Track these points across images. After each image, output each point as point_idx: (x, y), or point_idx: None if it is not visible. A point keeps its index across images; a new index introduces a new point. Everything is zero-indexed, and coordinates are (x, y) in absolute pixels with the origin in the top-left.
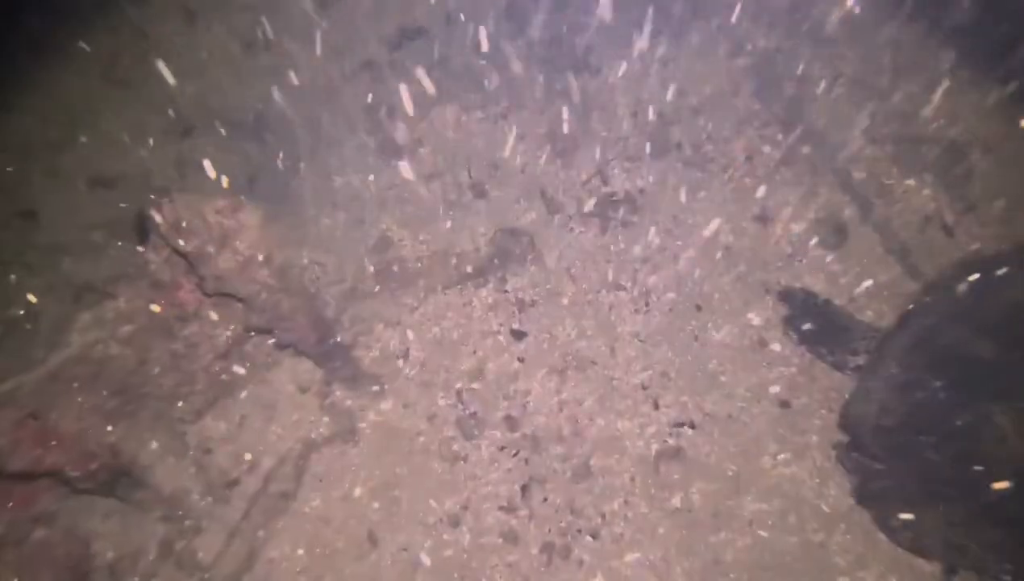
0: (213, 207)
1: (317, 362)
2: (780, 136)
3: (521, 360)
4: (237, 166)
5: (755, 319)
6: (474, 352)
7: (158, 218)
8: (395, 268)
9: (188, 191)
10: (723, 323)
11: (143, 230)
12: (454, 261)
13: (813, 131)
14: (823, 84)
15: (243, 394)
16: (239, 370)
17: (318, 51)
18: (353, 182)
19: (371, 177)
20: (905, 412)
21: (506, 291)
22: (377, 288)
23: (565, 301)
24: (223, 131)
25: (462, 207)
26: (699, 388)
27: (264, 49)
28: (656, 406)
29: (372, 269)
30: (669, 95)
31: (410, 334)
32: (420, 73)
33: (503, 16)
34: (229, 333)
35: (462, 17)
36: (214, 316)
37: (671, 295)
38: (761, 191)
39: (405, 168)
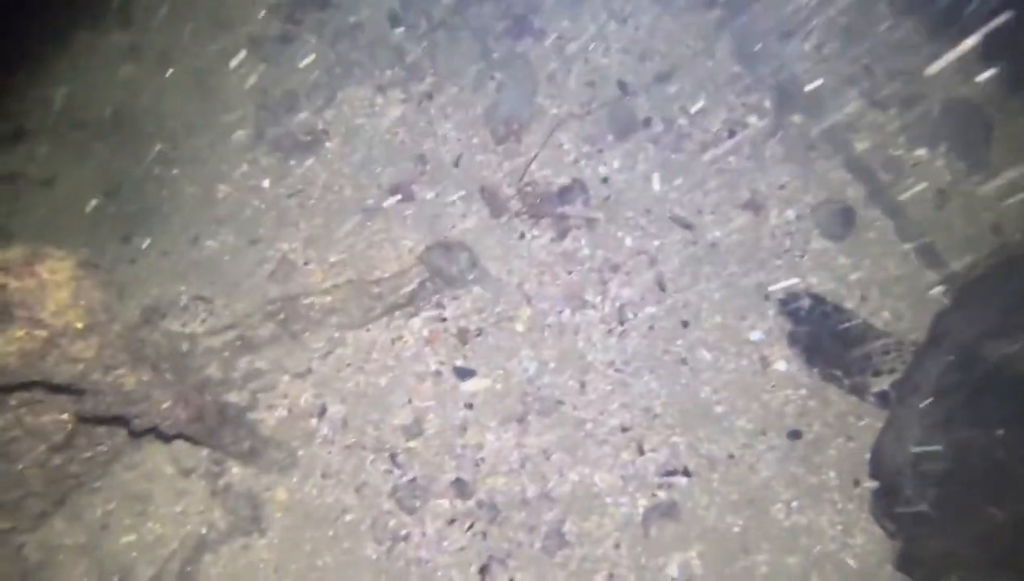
0: None
1: (198, 440)
2: (767, 103)
3: (469, 407)
4: (89, 178)
5: (753, 333)
6: (409, 401)
7: None
8: (301, 302)
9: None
10: (715, 341)
11: None
12: (376, 287)
13: (805, 96)
14: (813, 37)
15: (103, 485)
16: (91, 456)
17: (190, 24)
18: (242, 190)
19: (265, 182)
20: (954, 455)
21: (444, 320)
22: (277, 330)
23: (519, 327)
24: (69, 132)
25: (383, 215)
26: (691, 424)
27: (119, 24)
28: (641, 451)
29: (271, 306)
30: (631, 60)
31: (325, 386)
32: (322, 46)
33: None
34: (63, 419)
35: None
36: (25, 407)
37: (650, 310)
38: (749, 173)
39: (308, 168)
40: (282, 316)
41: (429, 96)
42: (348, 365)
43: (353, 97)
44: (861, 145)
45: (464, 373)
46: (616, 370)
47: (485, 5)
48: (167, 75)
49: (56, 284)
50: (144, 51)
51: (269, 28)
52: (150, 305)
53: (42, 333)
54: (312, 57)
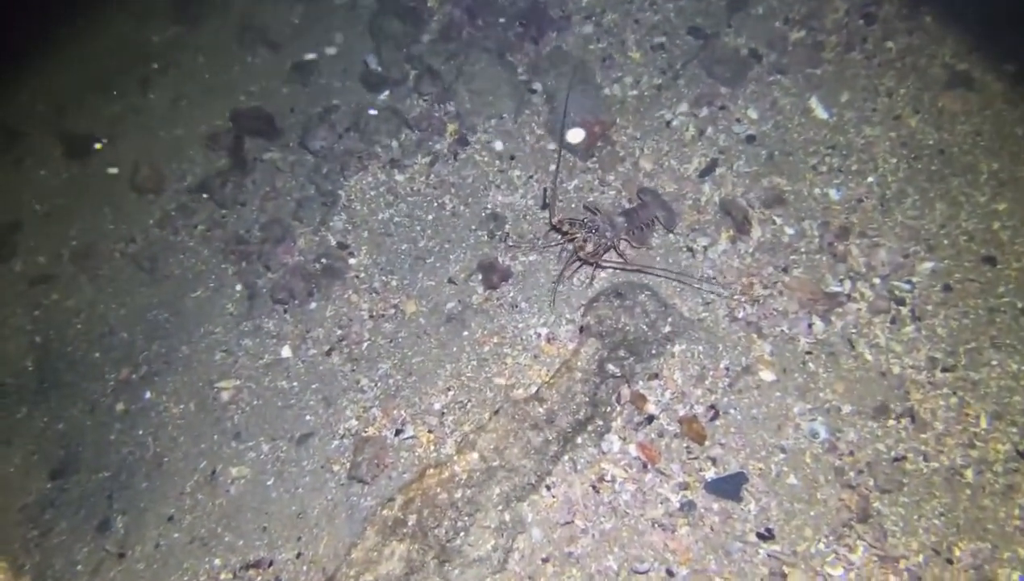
0: None
1: None
2: None
3: (766, 536)
4: (24, 460)
5: None
6: (670, 576)
7: None
8: (423, 493)
9: None
10: None
11: None
12: (533, 411)
13: None
14: None
15: None
16: None
17: (104, 207)
18: (255, 376)
19: (284, 350)
20: None
21: (653, 418)
22: (409, 554)
23: (766, 374)
24: None
25: (480, 314)
26: None
27: (8, 253)
28: None
29: (377, 522)
30: (689, 2)
31: None
32: (292, 153)
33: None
34: None
35: None
36: None
37: (928, 265)
38: (922, 49)
39: (339, 302)
40: (406, 529)
41: (462, 142)
42: (545, 560)
43: (362, 189)
44: None
45: (725, 485)
46: (944, 369)
47: (480, 18)
48: (98, 277)
49: None
50: (58, 266)
51: (211, 167)
52: None
53: None
54: (280, 173)
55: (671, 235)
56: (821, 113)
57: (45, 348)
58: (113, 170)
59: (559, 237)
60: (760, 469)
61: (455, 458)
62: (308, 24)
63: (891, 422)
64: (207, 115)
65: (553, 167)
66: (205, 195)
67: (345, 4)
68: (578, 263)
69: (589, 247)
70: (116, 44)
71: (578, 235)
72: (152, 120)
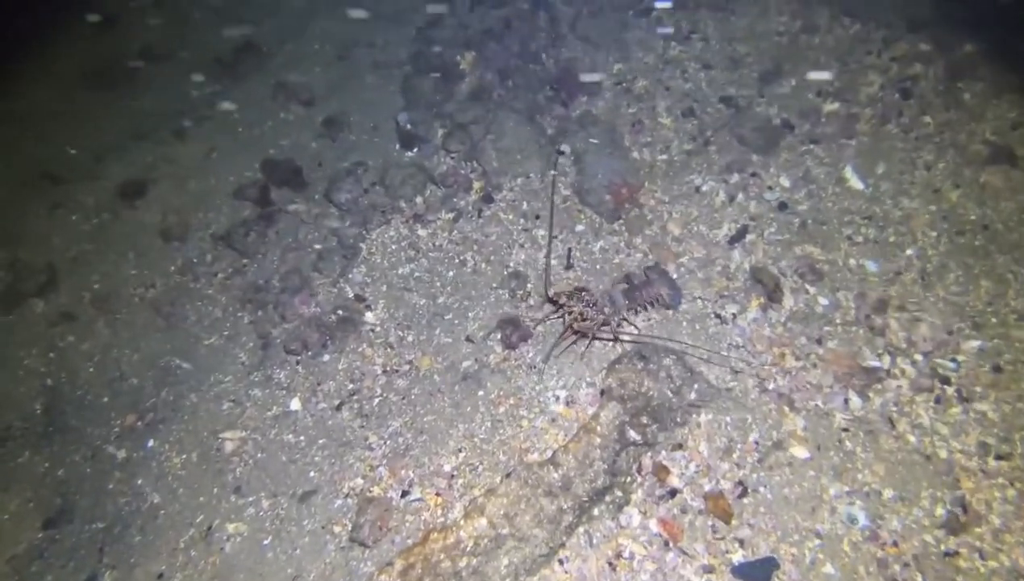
0: None
1: None
2: (924, 45)
3: None
4: (21, 506)
5: None
6: None
7: None
8: (424, 559)
9: None
10: None
11: None
12: (547, 476)
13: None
14: None
15: None
16: None
17: (130, 252)
18: (261, 428)
19: (293, 402)
20: None
21: (676, 492)
22: None
23: (799, 451)
24: None
25: (497, 374)
26: None
27: (40, 292)
28: None
29: None
30: (721, 72)
31: None
32: (316, 206)
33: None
34: None
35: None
36: None
37: (974, 343)
38: (959, 125)
39: (352, 355)
40: None
41: (487, 200)
42: None
43: (384, 242)
44: None
45: (754, 571)
46: (998, 457)
47: (511, 80)
48: (116, 322)
49: None
50: (78, 308)
51: (237, 216)
52: None
53: None
54: (304, 225)
55: (698, 301)
56: (856, 183)
57: (55, 391)
58: (142, 217)
59: (558, 308)
60: (793, 555)
61: (461, 523)
62: (342, 83)
63: (940, 512)
64: (237, 167)
65: (580, 227)
66: (228, 244)
67: (379, 64)
68: (573, 336)
69: (586, 322)
70: (158, 98)
71: (575, 309)
72: (184, 170)
